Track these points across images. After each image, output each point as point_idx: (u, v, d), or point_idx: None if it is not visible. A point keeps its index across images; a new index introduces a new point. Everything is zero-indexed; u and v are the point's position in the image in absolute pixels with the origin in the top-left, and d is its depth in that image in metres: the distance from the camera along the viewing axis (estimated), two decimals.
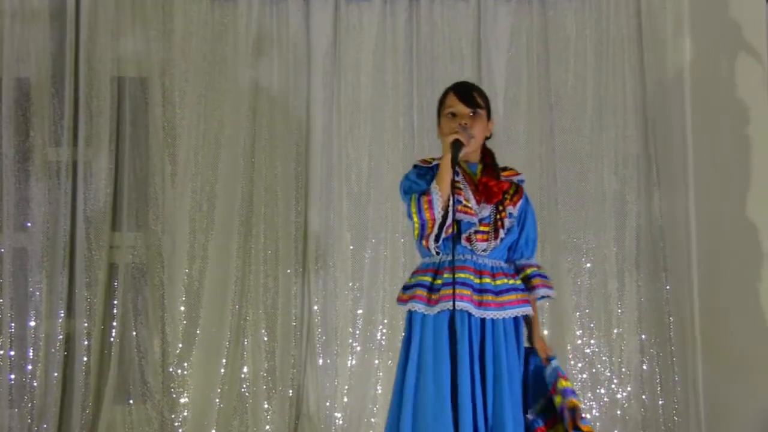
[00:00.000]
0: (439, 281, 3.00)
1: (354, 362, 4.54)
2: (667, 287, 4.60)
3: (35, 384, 4.35)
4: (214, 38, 4.62)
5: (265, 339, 4.52)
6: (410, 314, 3.04)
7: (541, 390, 3.08)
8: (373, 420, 4.48)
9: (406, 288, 3.10)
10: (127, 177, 4.53)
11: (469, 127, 3.02)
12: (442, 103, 3.14)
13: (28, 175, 4.45)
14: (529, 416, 3.05)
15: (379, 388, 4.51)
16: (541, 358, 3.11)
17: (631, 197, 4.68)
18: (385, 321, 4.55)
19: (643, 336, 4.61)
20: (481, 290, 3.00)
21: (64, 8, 4.50)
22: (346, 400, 4.51)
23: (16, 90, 4.48)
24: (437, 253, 3.02)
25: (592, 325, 4.61)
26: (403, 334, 3.09)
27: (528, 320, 3.13)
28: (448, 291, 2.91)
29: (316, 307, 4.56)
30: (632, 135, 4.70)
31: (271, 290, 4.54)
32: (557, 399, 3.00)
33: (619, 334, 4.61)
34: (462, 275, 2.97)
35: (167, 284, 4.50)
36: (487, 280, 3.02)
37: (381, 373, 4.52)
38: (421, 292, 3.01)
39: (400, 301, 3.09)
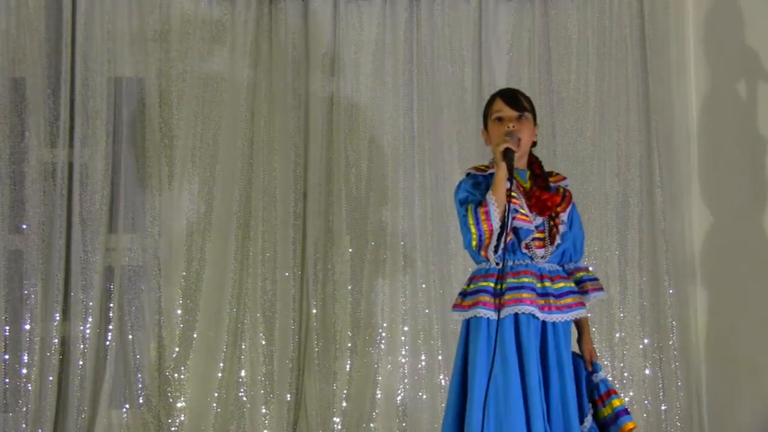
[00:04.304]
0: (502, 286, 3.03)
1: (353, 366, 4.50)
2: (670, 291, 4.56)
3: (30, 388, 4.30)
4: (211, 38, 4.59)
5: (263, 343, 4.49)
6: (470, 321, 3.07)
7: (590, 396, 3.15)
8: (372, 425, 4.45)
9: (465, 294, 3.11)
10: (124, 178, 4.49)
11: (516, 131, 3.06)
12: (488, 108, 3.20)
13: (23, 176, 4.40)
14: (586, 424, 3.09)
15: (378, 392, 4.47)
16: (585, 362, 3.17)
17: (633, 199, 4.65)
18: (385, 325, 4.51)
19: (646, 340, 4.58)
20: (543, 294, 3.06)
21: (60, 8, 4.46)
22: (344, 404, 4.47)
23: (12, 90, 4.43)
24: (497, 264, 3.05)
25: (593, 329, 4.57)
26: (460, 340, 3.12)
27: (579, 323, 3.20)
28: (514, 295, 3.01)
29: (314, 311, 4.52)
30: (635, 136, 4.67)
31: (269, 293, 4.51)
32: (605, 410, 3.10)
33: (621, 338, 4.59)
34: (525, 279, 3.05)
35: (164, 287, 4.48)
36: (548, 284, 3.09)
37: (380, 378, 4.48)
38: (487, 298, 3.04)
39: (460, 308, 3.10)
